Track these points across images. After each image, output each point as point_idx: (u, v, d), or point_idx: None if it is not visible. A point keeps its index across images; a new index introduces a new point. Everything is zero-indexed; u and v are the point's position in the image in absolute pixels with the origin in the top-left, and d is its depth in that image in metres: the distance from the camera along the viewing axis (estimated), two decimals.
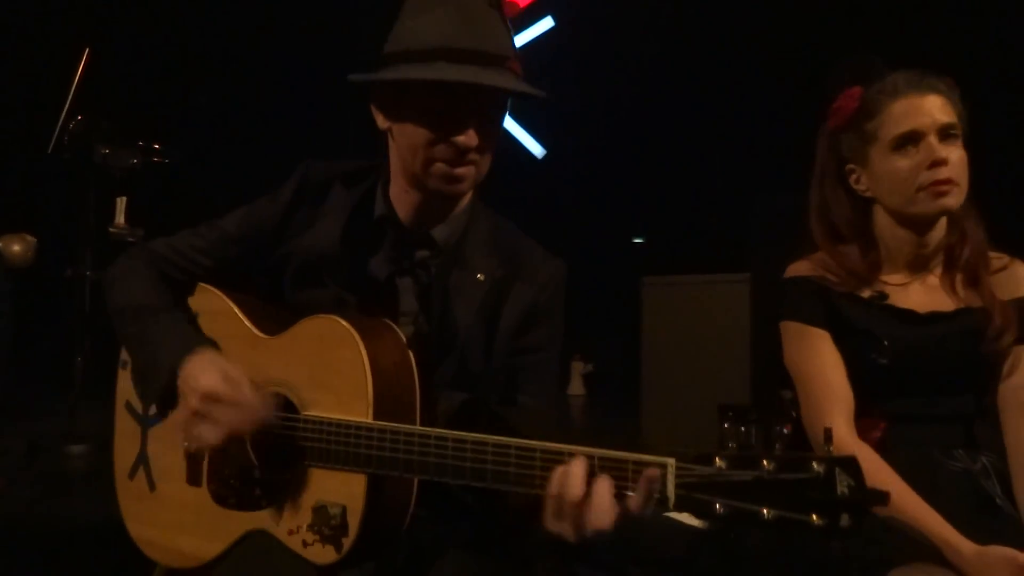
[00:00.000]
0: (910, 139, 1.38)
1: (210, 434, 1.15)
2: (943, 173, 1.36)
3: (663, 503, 0.90)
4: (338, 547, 1.11)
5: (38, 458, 3.04)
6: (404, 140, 1.24)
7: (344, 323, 1.15)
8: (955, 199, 1.38)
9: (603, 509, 0.92)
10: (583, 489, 0.93)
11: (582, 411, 5.92)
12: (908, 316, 1.41)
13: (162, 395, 1.21)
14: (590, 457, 0.95)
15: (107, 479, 1.42)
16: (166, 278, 1.34)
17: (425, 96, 1.19)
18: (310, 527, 1.12)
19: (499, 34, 1.21)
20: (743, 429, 3.26)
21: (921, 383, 1.39)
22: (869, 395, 1.40)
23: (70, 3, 5.32)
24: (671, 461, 0.89)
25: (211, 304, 1.34)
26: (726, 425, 3.30)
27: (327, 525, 1.11)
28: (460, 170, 1.22)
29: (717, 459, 0.87)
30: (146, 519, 1.35)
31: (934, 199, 1.38)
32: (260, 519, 1.19)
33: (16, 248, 2.94)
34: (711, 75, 5.80)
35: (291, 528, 1.15)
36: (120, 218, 3.67)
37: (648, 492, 0.90)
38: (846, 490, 0.82)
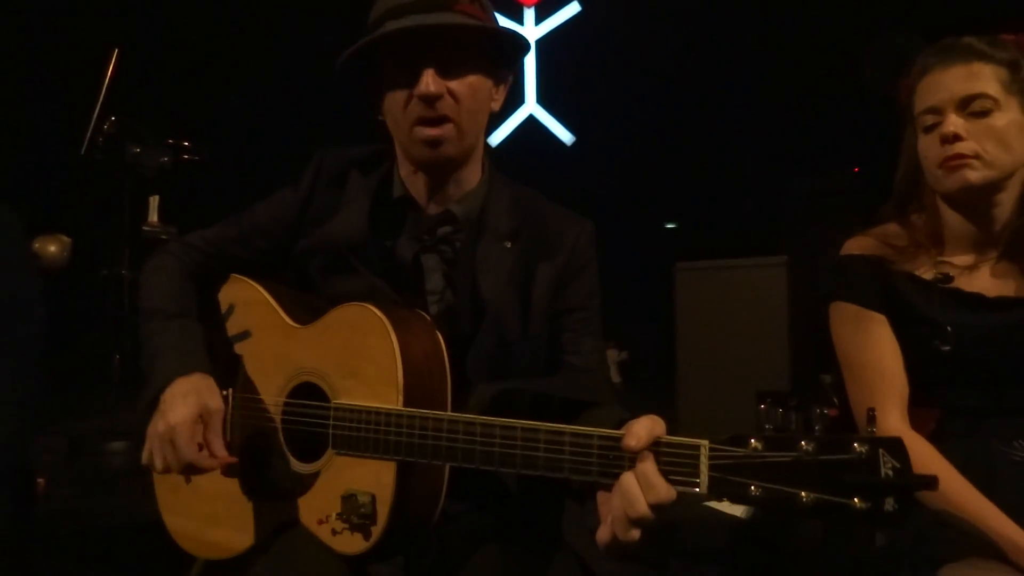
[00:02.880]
0: (932, 116, 1.32)
1: (160, 461, 1.15)
2: (955, 148, 1.29)
3: (697, 487, 0.86)
4: (367, 535, 1.10)
5: (79, 456, 3.09)
6: (389, 118, 1.25)
7: (376, 311, 1.14)
8: (976, 172, 1.29)
9: (660, 493, 0.88)
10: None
11: (618, 400, 5.89)
12: (974, 301, 1.32)
13: (149, 406, 1.20)
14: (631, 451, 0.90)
15: (146, 475, 1.43)
16: (197, 273, 1.36)
17: (386, 64, 1.21)
18: (339, 516, 1.11)
19: None
20: (782, 414, 3.20)
21: (984, 373, 1.30)
22: (926, 384, 1.33)
23: (98, 5, 5.38)
24: (705, 442, 0.86)
25: (246, 294, 1.34)
26: (762, 406, 3.25)
27: (356, 513, 1.09)
28: (434, 131, 1.20)
29: (753, 440, 0.83)
30: (181, 510, 1.36)
31: (949, 175, 1.30)
32: (290, 509, 1.19)
33: (52, 249, 2.98)
34: (743, 56, 5.71)
35: (320, 517, 1.14)
36: (153, 216, 3.72)
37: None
38: (891, 472, 0.77)
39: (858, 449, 0.78)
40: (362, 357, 1.14)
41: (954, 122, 1.29)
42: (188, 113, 5.08)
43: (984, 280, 1.34)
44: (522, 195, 1.34)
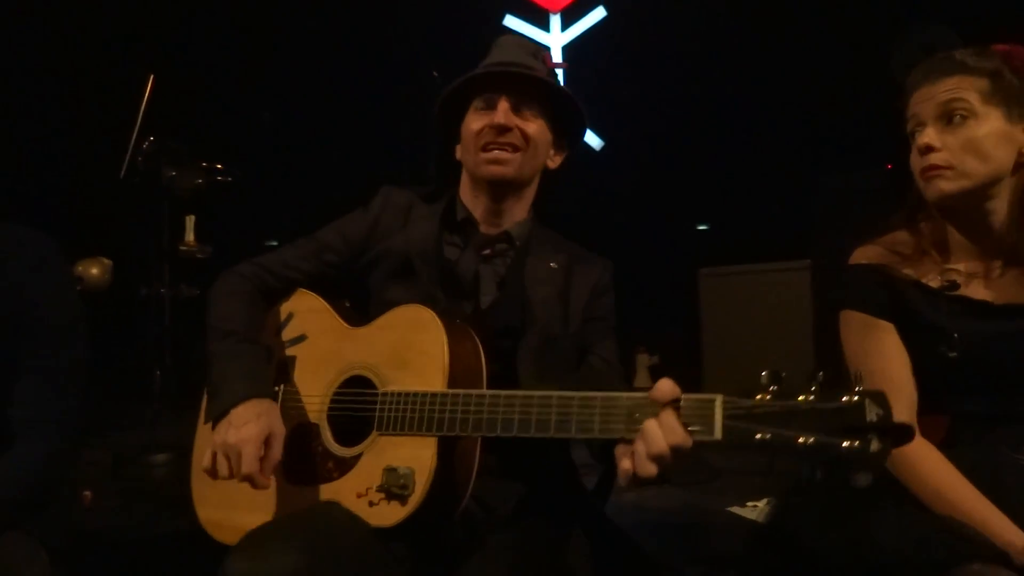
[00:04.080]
0: (916, 128, 1.36)
1: (223, 468, 1.29)
2: (928, 159, 1.32)
3: (713, 433, 0.99)
4: (403, 503, 1.20)
5: (123, 469, 3.18)
6: (464, 144, 1.53)
7: (430, 311, 1.30)
8: (948, 183, 1.31)
9: (678, 436, 1.02)
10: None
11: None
12: (981, 308, 1.33)
13: (218, 416, 1.33)
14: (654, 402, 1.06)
15: (187, 486, 1.50)
16: (266, 294, 1.50)
17: (472, 103, 1.52)
18: (379, 488, 1.22)
19: (529, 59, 1.52)
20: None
21: (992, 380, 1.31)
22: (934, 391, 1.34)
23: (132, 32, 5.54)
24: (719, 396, 1.01)
25: (307, 304, 1.49)
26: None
27: (396, 484, 1.20)
28: (501, 153, 1.47)
29: (760, 394, 0.97)
30: (216, 501, 1.44)
31: (926, 185, 1.34)
32: (327, 491, 1.29)
33: (94, 271, 3.10)
34: (769, 57, 5.66)
35: (359, 491, 1.25)
36: (189, 236, 3.84)
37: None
38: (874, 418, 0.90)
39: (848, 399, 0.92)
40: (413, 350, 1.28)
41: (928, 134, 1.32)
42: (221, 136, 5.21)
43: (991, 287, 1.35)
44: (557, 237, 1.60)
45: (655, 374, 6.31)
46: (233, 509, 1.40)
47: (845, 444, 0.90)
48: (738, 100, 5.82)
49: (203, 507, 1.46)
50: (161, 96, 3.75)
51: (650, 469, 1.04)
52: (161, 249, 3.73)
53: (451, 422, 1.19)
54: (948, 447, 1.31)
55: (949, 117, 1.32)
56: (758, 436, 0.95)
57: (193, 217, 3.85)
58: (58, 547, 1.46)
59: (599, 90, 6.69)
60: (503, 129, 1.46)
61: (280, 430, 1.30)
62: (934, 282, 1.37)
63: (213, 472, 1.30)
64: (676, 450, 1.03)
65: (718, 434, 0.99)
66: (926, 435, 1.33)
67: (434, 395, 1.22)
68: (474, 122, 1.49)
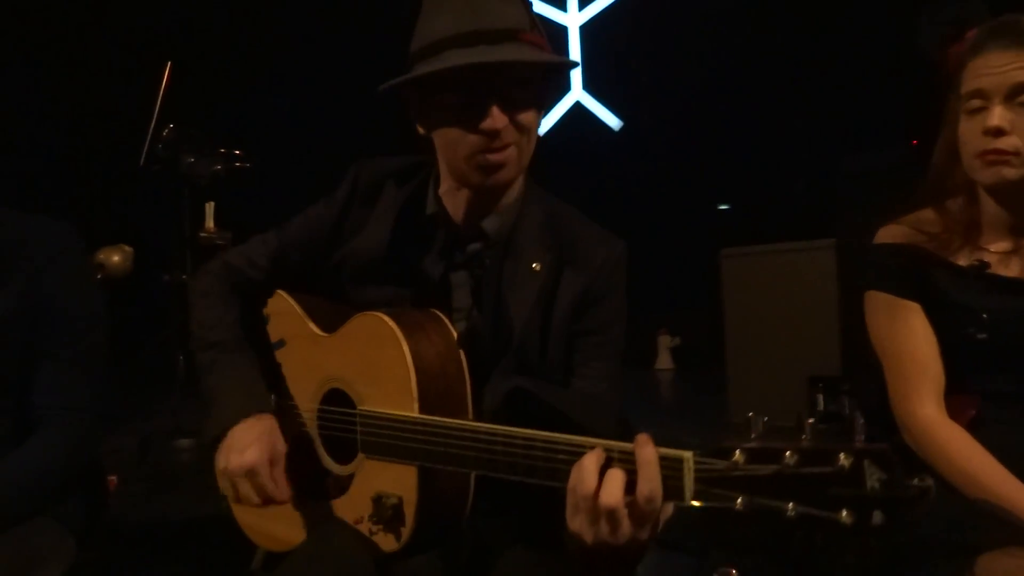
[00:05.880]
0: (978, 101, 1.27)
1: (243, 496, 1.23)
2: (996, 143, 1.24)
3: (681, 498, 0.85)
4: (397, 536, 1.15)
5: (148, 454, 3.23)
6: (440, 141, 1.24)
7: (388, 321, 1.17)
8: (1013, 171, 1.25)
9: (613, 499, 0.88)
10: (596, 481, 0.90)
11: (670, 385, 5.86)
12: (1011, 286, 1.30)
13: (213, 441, 1.28)
14: (608, 450, 0.92)
15: (210, 472, 1.50)
16: (240, 292, 1.41)
17: (444, 91, 1.18)
18: (370, 517, 1.17)
19: (508, 9, 1.16)
20: (835, 400, 3.16)
21: (1021, 358, 1.29)
22: (963, 371, 1.32)
23: (150, 20, 5.56)
24: (688, 455, 0.85)
25: (280, 306, 1.41)
26: (820, 397, 3.21)
27: (385, 516, 1.15)
28: (496, 156, 1.18)
29: (737, 452, 0.81)
30: (248, 506, 1.44)
31: (985, 168, 1.27)
32: (333, 508, 1.26)
33: (116, 259, 3.12)
34: (792, 33, 5.58)
35: (356, 518, 1.21)
36: (209, 222, 3.86)
37: (650, 477, 0.86)
38: (876, 484, 0.74)
39: (842, 461, 0.75)
40: (379, 366, 1.19)
41: (1000, 115, 1.24)
42: (239, 122, 5.23)
43: (1021, 265, 1.32)
44: (555, 212, 1.32)
45: (676, 355, 6.29)
46: (259, 515, 1.38)
47: (842, 516, 0.74)
48: (759, 77, 5.74)
49: (237, 508, 1.46)
50: (179, 83, 3.76)
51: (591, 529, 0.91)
52: (182, 236, 3.76)
53: (426, 453, 1.10)
54: (976, 428, 1.29)
55: (1020, 96, 1.24)
56: (738, 503, 0.80)
57: (213, 204, 3.87)
58: (85, 532, 1.48)
59: (617, 70, 6.63)
60: (498, 132, 1.17)
61: (282, 447, 1.24)
62: (962, 261, 1.34)
63: (236, 498, 1.26)
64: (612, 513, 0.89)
65: (688, 500, 0.85)
66: (953, 416, 1.31)
67: (405, 421, 1.13)
68: (453, 122, 1.18)
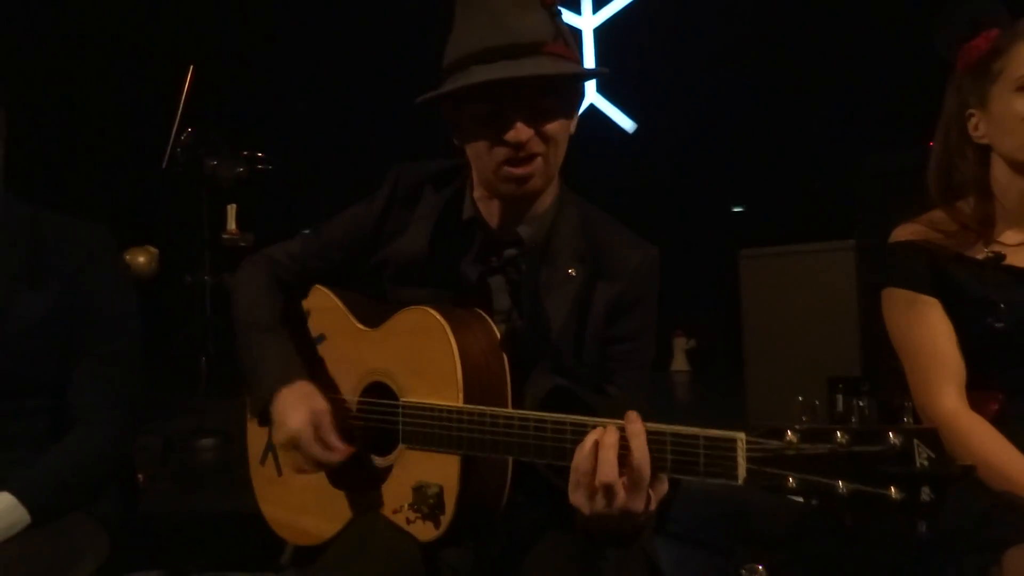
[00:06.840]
0: None
1: (292, 466, 1.28)
2: None
3: (734, 478, 0.89)
4: (436, 524, 1.18)
5: (173, 453, 3.26)
6: (471, 152, 1.28)
7: (435, 314, 1.21)
8: None
9: (609, 476, 0.98)
10: (594, 460, 1.00)
11: (686, 387, 5.84)
12: None
13: (261, 413, 1.33)
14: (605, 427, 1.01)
15: (236, 470, 1.53)
16: (281, 284, 1.45)
17: (471, 104, 1.23)
18: (411, 506, 1.20)
19: (530, 22, 1.19)
20: (856, 402, 3.15)
21: None
22: (984, 365, 1.33)
23: (173, 23, 5.61)
24: (741, 435, 0.89)
25: (321, 302, 1.45)
26: (839, 398, 3.20)
27: (425, 504, 1.17)
28: (523, 169, 1.23)
29: (789, 432, 0.85)
30: (275, 501, 1.46)
31: None
32: (369, 500, 1.28)
33: (141, 260, 3.17)
34: (807, 28, 5.56)
35: (395, 507, 1.24)
36: (231, 224, 3.90)
37: (639, 446, 0.96)
38: (926, 462, 0.78)
39: (893, 440, 0.79)
40: (424, 358, 1.22)
41: None
42: (260, 125, 5.28)
43: None
44: (590, 217, 1.36)
45: (692, 358, 6.28)
46: (289, 509, 1.42)
47: (892, 493, 0.78)
48: (775, 78, 5.72)
49: (266, 504, 1.49)
50: (203, 86, 3.80)
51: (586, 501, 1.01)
52: (204, 238, 3.80)
53: (470, 441, 1.14)
54: (999, 423, 1.30)
55: None
56: (789, 481, 0.83)
57: (235, 206, 3.91)
58: (118, 528, 1.51)
59: (632, 72, 6.63)
60: (523, 145, 1.21)
61: (322, 405, 1.26)
62: (978, 255, 1.36)
63: (295, 471, 1.30)
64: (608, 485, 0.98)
65: (741, 480, 0.88)
66: (977, 410, 1.32)
67: (450, 411, 1.17)
68: (481, 135, 1.23)
